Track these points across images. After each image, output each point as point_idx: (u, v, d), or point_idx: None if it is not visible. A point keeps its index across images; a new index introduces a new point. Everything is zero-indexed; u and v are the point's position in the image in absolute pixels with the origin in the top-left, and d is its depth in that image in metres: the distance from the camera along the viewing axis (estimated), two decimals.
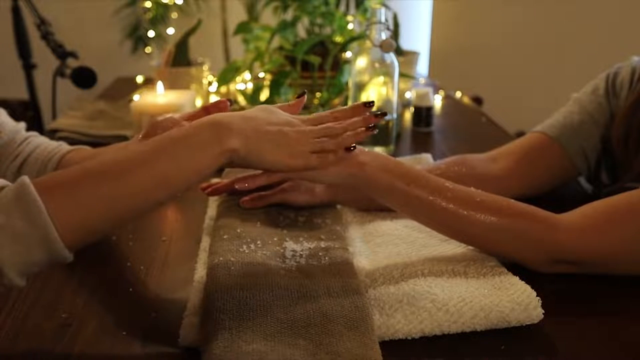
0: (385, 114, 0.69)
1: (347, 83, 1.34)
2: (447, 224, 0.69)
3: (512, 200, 0.69)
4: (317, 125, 0.66)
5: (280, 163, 0.63)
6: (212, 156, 0.59)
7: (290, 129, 0.64)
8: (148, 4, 2.47)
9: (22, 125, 0.88)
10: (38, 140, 0.87)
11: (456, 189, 0.69)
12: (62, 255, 0.53)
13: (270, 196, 0.80)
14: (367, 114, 0.68)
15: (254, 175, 0.70)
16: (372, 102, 0.69)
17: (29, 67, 1.55)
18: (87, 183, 0.55)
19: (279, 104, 0.70)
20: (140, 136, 0.77)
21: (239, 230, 0.73)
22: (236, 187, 0.71)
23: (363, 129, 0.67)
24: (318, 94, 1.40)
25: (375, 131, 0.68)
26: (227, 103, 0.74)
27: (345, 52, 1.43)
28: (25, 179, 0.53)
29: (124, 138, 1.25)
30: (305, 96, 0.73)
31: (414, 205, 0.69)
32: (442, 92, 1.70)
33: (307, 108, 1.14)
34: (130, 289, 0.69)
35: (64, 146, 0.88)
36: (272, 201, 0.80)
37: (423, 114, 1.34)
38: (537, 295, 0.61)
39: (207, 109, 0.74)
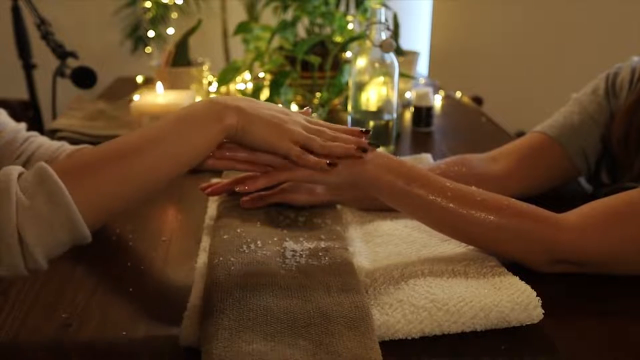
0: (378, 145, 0.70)
1: (347, 83, 1.34)
2: (448, 224, 0.69)
3: (513, 200, 0.69)
4: (311, 125, 0.69)
5: (268, 142, 0.65)
6: (214, 132, 0.63)
7: (284, 116, 0.67)
8: (148, 4, 2.47)
9: (23, 125, 0.88)
10: (40, 139, 0.87)
11: (457, 188, 0.69)
12: (84, 235, 0.56)
13: (271, 196, 0.80)
14: (363, 138, 0.69)
15: (253, 177, 0.70)
16: (369, 130, 0.71)
17: (29, 67, 1.55)
18: (104, 163, 0.58)
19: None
20: None
21: (239, 230, 0.73)
22: (236, 189, 0.71)
23: (354, 146, 0.68)
24: (318, 94, 1.40)
25: (362, 156, 0.68)
26: None
27: (345, 52, 1.43)
28: (43, 164, 0.55)
29: None
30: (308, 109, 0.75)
31: (415, 205, 0.69)
32: (442, 92, 1.70)
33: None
34: (130, 289, 0.69)
35: (67, 146, 0.88)
36: (272, 201, 0.80)
37: (423, 114, 1.34)
38: (537, 295, 0.61)
39: None
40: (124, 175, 0.58)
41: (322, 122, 0.71)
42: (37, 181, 0.54)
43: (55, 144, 0.88)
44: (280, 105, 0.70)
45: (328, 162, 0.66)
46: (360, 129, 0.70)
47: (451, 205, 0.67)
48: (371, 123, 1.11)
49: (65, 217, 0.54)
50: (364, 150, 0.68)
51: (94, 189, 0.56)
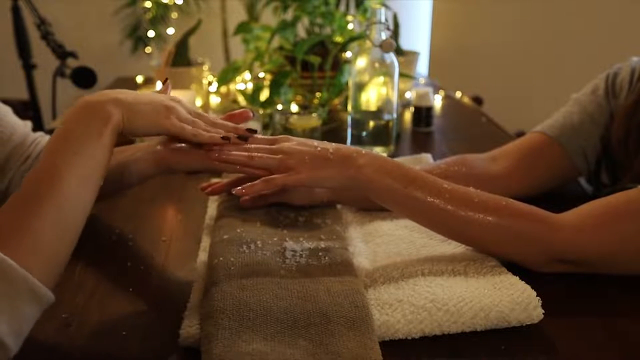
0: (254, 130, 0.72)
1: (347, 83, 1.34)
2: (446, 225, 0.69)
3: (511, 200, 0.69)
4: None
5: (157, 124, 0.65)
6: (106, 136, 0.61)
7: (163, 98, 0.68)
8: (148, 4, 2.47)
9: (29, 124, 0.88)
10: (45, 140, 0.87)
11: (454, 190, 0.69)
12: (48, 298, 0.53)
13: (271, 195, 0.80)
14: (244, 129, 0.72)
15: (251, 178, 0.70)
16: (254, 131, 0.72)
17: (29, 67, 1.55)
18: (28, 216, 0.54)
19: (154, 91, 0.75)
20: None
21: (239, 230, 0.73)
22: (232, 192, 0.70)
23: (234, 134, 0.70)
24: (318, 94, 1.40)
25: (242, 143, 0.70)
26: (250, 114, 0.76)
27: (345, 52, 1.43)
28: None
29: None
30: (169, 82, 0.76)
31: (413, 207, 0.69)
32: (442, 92, 1.70)
33: (307, 108, 1.14)
34: (130, 289, 0.69)
35: None
36: (273, 200, 0.80)
37: (423, 114, 1.34)
38: (537, 295, 0.61)
39: (233, 117, 0.76)
40: (53, 218, 0.55)
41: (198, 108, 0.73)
42: None
43: None
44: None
45: (222, 135, 0.68)
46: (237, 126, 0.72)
47: (449, 207, 0.67)
48: (371, 123, 1.11)
49: (26, 290, 0.51)
50: (244, 138, 0.70)
51: (37, 247, 0.53)
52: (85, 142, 0.60)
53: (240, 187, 0.69)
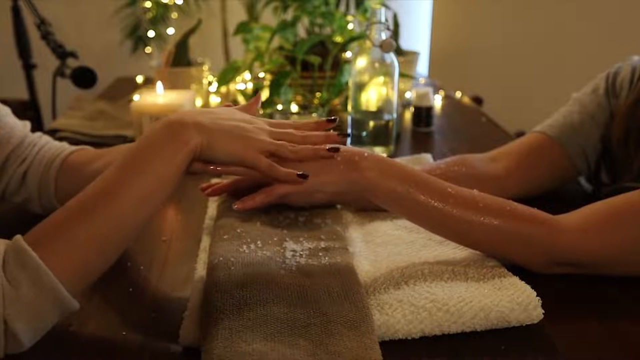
0: (347, 135, 0.67)
1: (347, 83, 1.34)
2: (449, 229, 0.69)
3: (514, 203, 0.69)
4: (277, 129, 0.67)
5: (234, 155, 0.62)
6: (180, 159, 0.59)
7: (247, 125, 0.64)
8: (148, 4, 2.47)
9: (28, 125, 0.88)
10: (42, 141, 0.87)
11: (458, 194, 0.68)
12: (72, 307, 0.54)
13: None
14: (331, 131, 0.68)
15: (252, 194, 0.70)
16: (335, 118, 0.69)
17: (29, 67, 1.55)
18: (76, 226, 0.54)
19: (238, 106, 0.71)
20: None
21: (239, 230, 0.73)
22: (234, 207, 0.69)
23: (325, 146, 0.66)
24: (318, 94, 1.40)
25: (334, 156, 0.67)
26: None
27: (345, 52, 1.43)
28: (21, 241, 0.52)
29: (124, 138, 1.26)
30: (261, 94, 0.72)
31: (416, 211, 0.69)
32: (442, 92, 1.70)
33: (307, 108, 1.14)
34: (130, 289, 0.69)
35: (67, 146, 0.88)
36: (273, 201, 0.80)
37: (423, 114, 1.34)
38: (537, 296, 0.61)
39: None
40: (99, 234, 0.55)
41: (286, 122, 0.69)
42: (19, 265, 0.51)
43: (57, 145, 0.87)
44: (237, 112, 0.67)
45: (298, 173, 0.64)
46: (328, 118, 0.69)
47: (453, 211, 0.67)
48: (371, 123, 1.11)
49: (53, 299, 0.52)
50: (336, 150, 0.66)
51: (74, 259, 0.54)
52: (156, 164, 0.58)
53: (240, 202, 0.68)
